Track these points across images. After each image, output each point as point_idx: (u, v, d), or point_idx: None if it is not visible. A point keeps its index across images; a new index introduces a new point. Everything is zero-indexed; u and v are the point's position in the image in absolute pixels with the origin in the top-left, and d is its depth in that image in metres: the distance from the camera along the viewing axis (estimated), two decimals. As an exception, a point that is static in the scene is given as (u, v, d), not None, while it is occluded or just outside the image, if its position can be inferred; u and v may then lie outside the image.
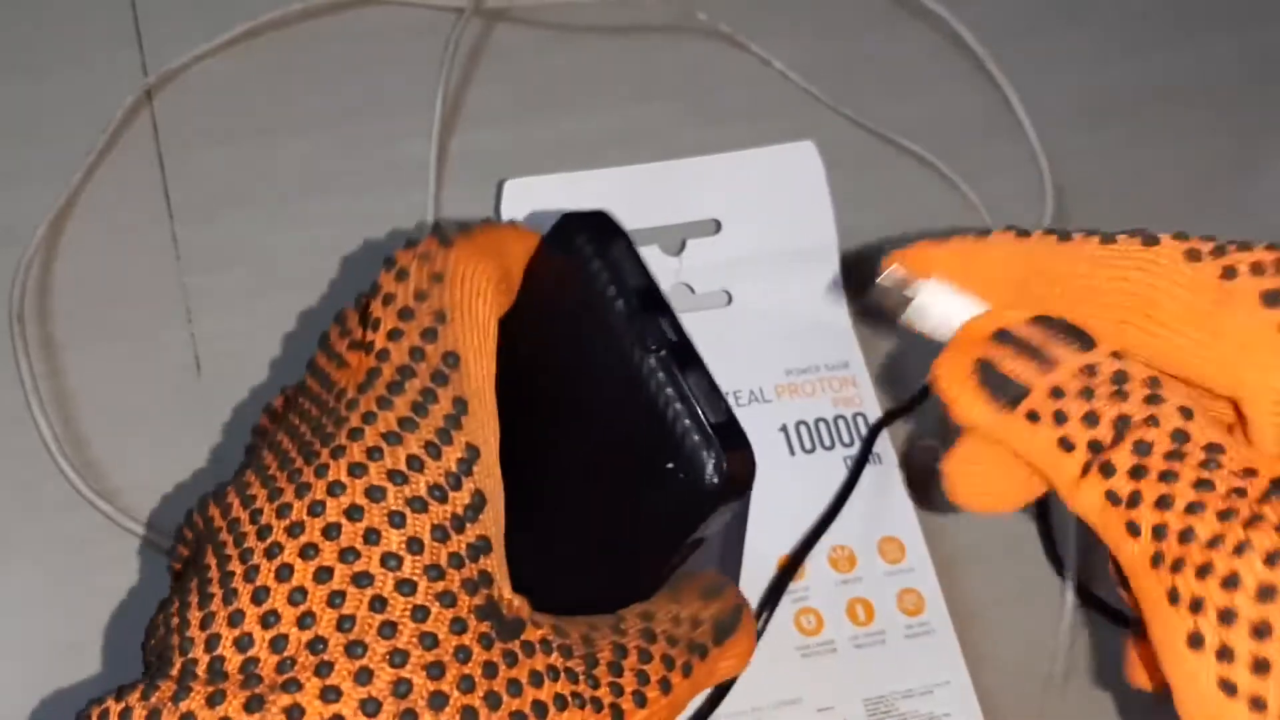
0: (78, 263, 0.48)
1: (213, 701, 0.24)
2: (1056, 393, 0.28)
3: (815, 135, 0.49)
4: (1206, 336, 0.28)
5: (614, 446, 0.28)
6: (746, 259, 0.45)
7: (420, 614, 0.25)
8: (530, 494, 0.28)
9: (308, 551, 0.25)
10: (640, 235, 0.45)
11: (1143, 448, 0.27)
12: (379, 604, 0.25)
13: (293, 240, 0.49)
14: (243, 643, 0.25)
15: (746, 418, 0.43)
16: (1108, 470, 0.27)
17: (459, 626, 0.25)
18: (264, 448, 0.29)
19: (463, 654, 0.25)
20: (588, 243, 0.29)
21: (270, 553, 0.26)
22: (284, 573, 0.25)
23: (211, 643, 0.25)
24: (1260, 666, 0.24)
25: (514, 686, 0.25)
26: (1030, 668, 0.43)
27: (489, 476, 0.27)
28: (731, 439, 0.28)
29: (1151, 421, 0.27)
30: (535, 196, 0.44)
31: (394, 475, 0.26)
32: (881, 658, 0.39)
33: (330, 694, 0.24)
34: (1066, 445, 0.28)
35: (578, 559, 0.29)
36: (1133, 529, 0.27)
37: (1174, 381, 0.29)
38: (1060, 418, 0.28)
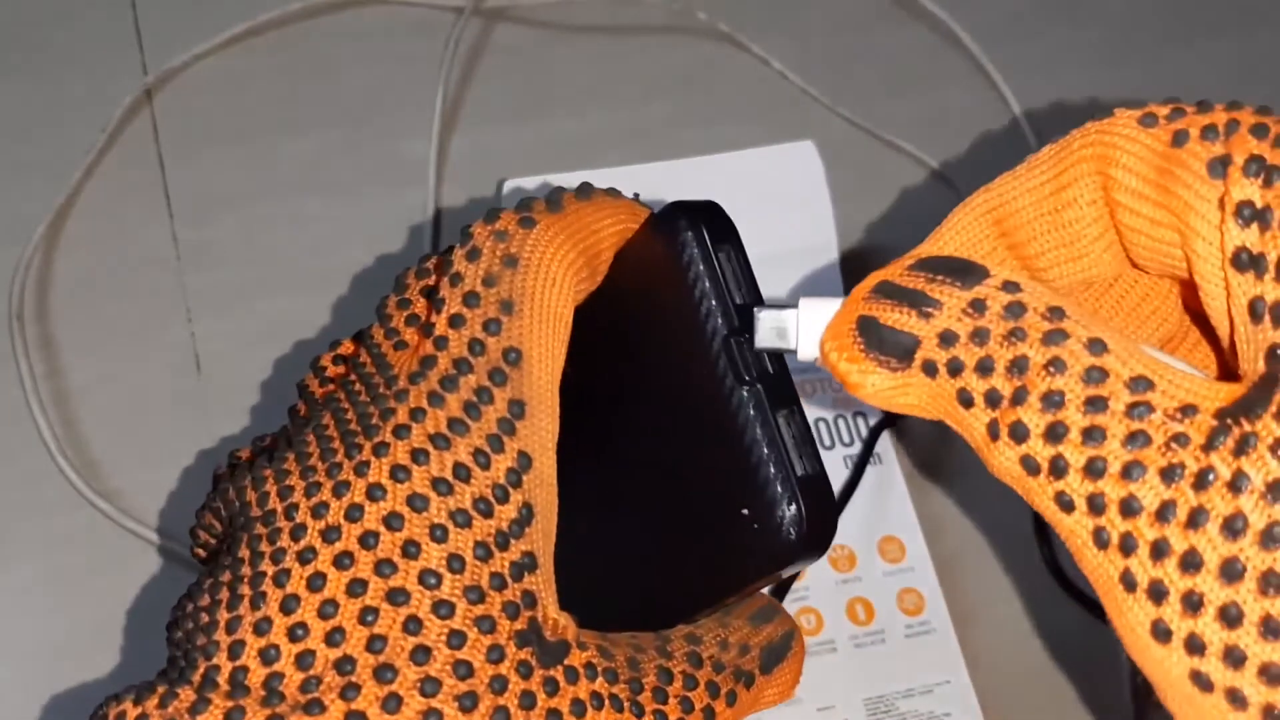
0: (78, 262, 0.48)
1: (231, 718, 0.23)
2: (946, 338, 0.23)
3: (814, 135, 0.49)
4: (1156, 212, 0.24)
5: (687, 471, 0.26)
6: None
7: (456, 640, 0.24)
8: (591, 496, 0.26)
9: (342, 560, 0.24)
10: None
11: (1053, 400, 0.22)
12: (414, 625, 0.24)
13: (293, 239, 0.49)
14: (268, 655, 0.24)
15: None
16: (1019, 433, 0.22)
17: (496, 655, 0.24)
18: (307, 426, 0.27)
19: (498, 684, 0.24)
20: (695, 240, 0.26)
21: (303, 557, 0.24)
22: (316, 581, 0.24)
23: (235, 650, 0.24)
24: (1233, 657, 0.20)
25: (553, 717, 0.24)
26: (1030, 667, 0.43)
27: (540, 486, 0.25)
28: (818, 496, 0.25)
29: (1055, 365, 0.22)
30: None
31: (438, 484, 0.24)
32: (881, 657, 0.39)
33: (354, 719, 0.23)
34: (965, 400, 0.23)
35: (632, 574, 0.27)
36: (1064, 503, 0.22)
37: (1085, 304, 0.25)
38: (955, 367, 0.23)
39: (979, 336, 0.23)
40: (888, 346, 0.24)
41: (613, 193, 0.28)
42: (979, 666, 0.41)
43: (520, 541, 0.25)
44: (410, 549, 0.24)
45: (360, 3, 0.55)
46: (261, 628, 0.24)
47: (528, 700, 0.24)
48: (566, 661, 0.24)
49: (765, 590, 0.28)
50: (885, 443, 0.43)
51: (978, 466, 0.46)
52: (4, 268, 0.47)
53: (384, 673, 0.23)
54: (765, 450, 0.24)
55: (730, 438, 0.24)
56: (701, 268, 0.26)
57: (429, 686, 0.23)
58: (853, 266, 0.47)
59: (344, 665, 0.23)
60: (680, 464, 0.25)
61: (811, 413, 0.43)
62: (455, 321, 0.26)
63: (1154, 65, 0.58)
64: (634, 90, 0.54)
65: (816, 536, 0.24)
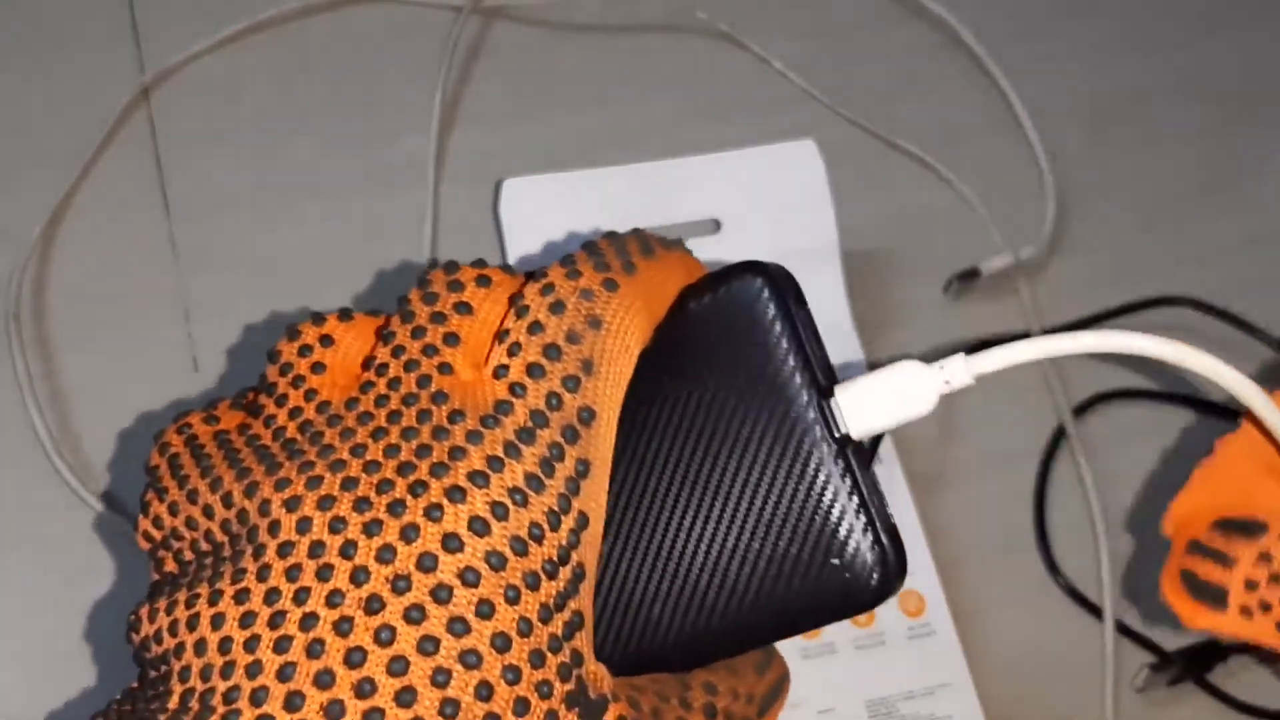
0: (75, 262, 0.48)
1: None
2: (1250, 585, 0.31)
3: (814, 134, 0.49)
4: None
5: (762, 521, 0.26)
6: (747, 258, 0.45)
7: (520, 707, 0.23)
8: (645, 534, 0.27)
9: (411, 615, 0.22)
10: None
11: None
12: (484, 691, 0.23)
13: (291, 239, 0.49)
14: (292, 703, 0.22)
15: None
16: None
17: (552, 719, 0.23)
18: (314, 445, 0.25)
19: None
20: (772, 298, 0.27)
21: (359, 613, 0.22)
22: (385, 634, 0.22)
23: (257, 697, 0.22)
24: None
25: None
26: (1032, 669, 0.43)
27: (592, 546, 0.25)
28: (898, 548, 0.26)
29: None
30: (534, 196, 0.43)
31: (515, 542, 0.24)
32: (883, 659, 0.39)
33: None
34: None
35: (682, 612, 0.26)
36: None
37: None
38: (1265, 606, 0.31)
39: (1276, 580, 0.31)
40: (1208, 594, 0.31)
41: (671, 245, 0.29)
42: (981, 668, 0.40)
43: (575, 601, 0.24)
44: (483, 609, 0.23)
45: (359, 2, 0.55)
46: (286, 673, 0.22)
47: None
48: (605, 719, 0.24)
49: None
50: (887, 445, 0.43)
51: (979, 468, 0.46)
52: (0, 268, 0.47)
53: None
54: (858, 505, 0.26)
55: (818, 492, 0.25)
56: (784, 324, 0.27)
57: None
58: (854, 266, 0.47)
59: None
60: (754, 517, 0.26)
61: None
62: (533, 371, 0.25)
63: (1157, 63, 0.58)
64: (633, 89, 0.54)
65: (895, 584, 0.26)
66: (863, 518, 0.26)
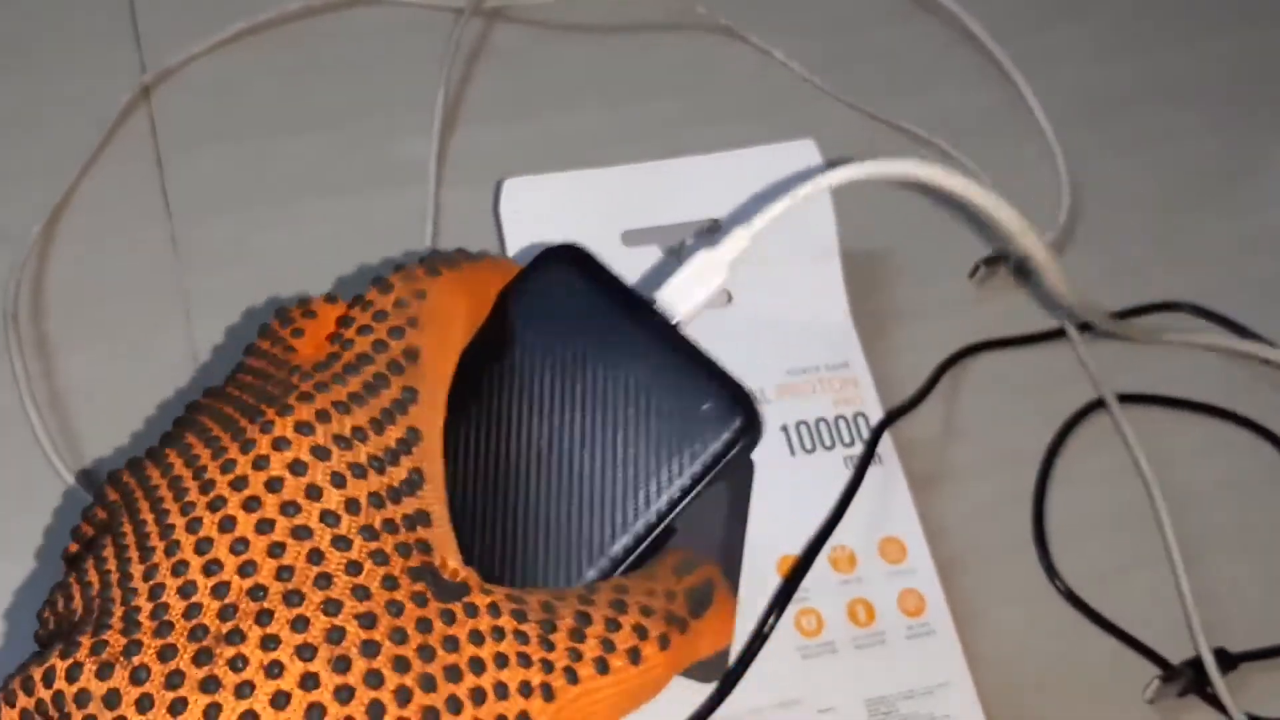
0: (74, 262, 0.48)
1: (164, 657, 0.25)
2: None
3: (817, 129, 0.49)
4: None
5: (634, 409, 0.30)
6: (747, 258, 0.45)
7: (353, 568, 0.26)
8: (514, 477, 0.30)
9: (250, 504, 0.26)
10: (640, 235, 0.45)
11: None
12: (315, 556, 0.26)
13: (292, 239, 0.49)
14: (186, 590, 0.26)
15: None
16: None
17: (390, 583, 0.26)
18: (203, 414, 0.29)
19: (394, 608, 0.26)
20: (573, 264, 0.32)
21: (214, 505, 0.27)
22: (227, 524, 0.26)
23: (155, 591, 0.26)
24: None
25: (450, 642, 0.26)
26: (1032, 668, 0.43)
27: (429, 459, 0.28)
28: (740, 388, 0.31)
29: None
30: (534, 195, 0.43)
31: (339, 439, 0.27)
32: (882, 658, 0.39)
33: (270, 642, 0.25)
34: None
35: (564, 538, 0.29)
36: None
37: None
38: None
39: None
40: None
41: (489, 255, 0.34)
42: (981, 668, 0.40)
43: (412, 500, 0.27)
44: (312, 492, 0.26)
45: (359, 2, 0.55)
46: (179, 569, 0.26)
47: (424, 625, 0.26)
48: (467, 599, 0.26)
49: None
50: (887, 443, 0.43)
51: (979, 468, 0.46)
52: (0, 267, 0.47)
53: (292, 597, 0.25)
54: (704, 360, 0.31)
55: (674, 361, 0.30)
56: (590, 279, 0.32)
57: (331, 607, 0.25)
58: (855, 265, 0.47)
59: (256, 593, 0.25)
60: (628, 403, 0.30)
61: (811, 412, 0.43)
62: (363, 330, 0.30)
63: (1173, 59, 0.57)
64: (635, 88, 0.54)
65: (756, 412, 0.30)
66: (708, 369, 0.30)
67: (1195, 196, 0.54)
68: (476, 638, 0.26)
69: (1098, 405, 0.48)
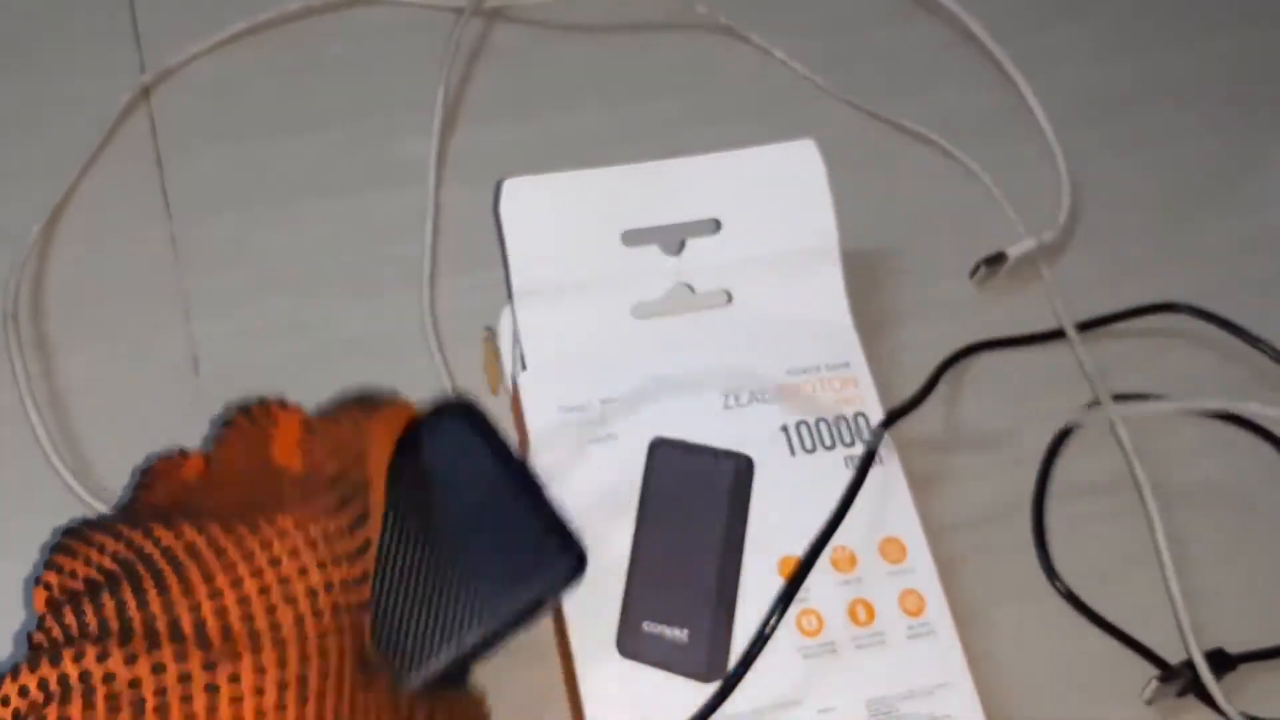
0: (75, 262, 0.48)
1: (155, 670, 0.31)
2: None
3: (818, 128, 0.49)
4: None
5: (485, 547, 0.37)
6: (747, 258, 0.45)
7: (321, 630, 0.33)
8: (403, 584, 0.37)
9: (256, 573, 0.33)
10: (640, 235, 0.45)
11: None
12: (299, 617, 0.33)
13: (292, 239, 0.49)
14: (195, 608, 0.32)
15: (747, 418, 0.43)
16: None
17: (336, 646, 0.33)
18: (208, 501, 0.36)
19: (335, 665, 0.33)
20: (465, 418, 0.38)
21: (227, 569, 0.33)
22: (237, 584, 0.33)
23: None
24: None
25: (363, 697, 0.33)
26: (1031, 668, 0.43)
27: (371, 564, 0.35)
28: (571, 534, 0.37)
29: None
30: (534, 195, 0.43)
31: (325, 537, 0.34)
32: (883, 658, 0.39)
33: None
34: None
35: (429, 628, 0.36)
36: None
37: None
38: None
39: None
40: None
41: (398, 397, 0.39)
42: (981, 667, 0.40)
43: (360, 591, 0.34)
44: (302, 572, 0.33)
45: (360, 2, 0.55)
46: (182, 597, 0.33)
47: (350, 681, 0.33)
48: (375, 673, 0.34)
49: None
50: (887, 443, 0.43)
51: (979, 469, 0.46)
52: (0, 267, 0.47)
53: (275, 633, 0.32)
54: (554, 517, 0.37)
55: (522, 517, 0.37)
56: (484, 439, 0.38)
57: (295, 647, 0.32)
58: (856, 265, 0.47)
59: (249, 623, 0.33)
60: (478, 541, 0.37)
61: (812, 412, 0.43)
62: (328, 456, 0.36)
63: (1174, 59, 0.58)
64: (634, 88, 0.54)
65: (580, 555, 0.36)
66: (550, 523, 0.36)
67: (1195, 196, 0.54)
68: (376, 701, 0.34)
69: (1097, 405, 0.48)
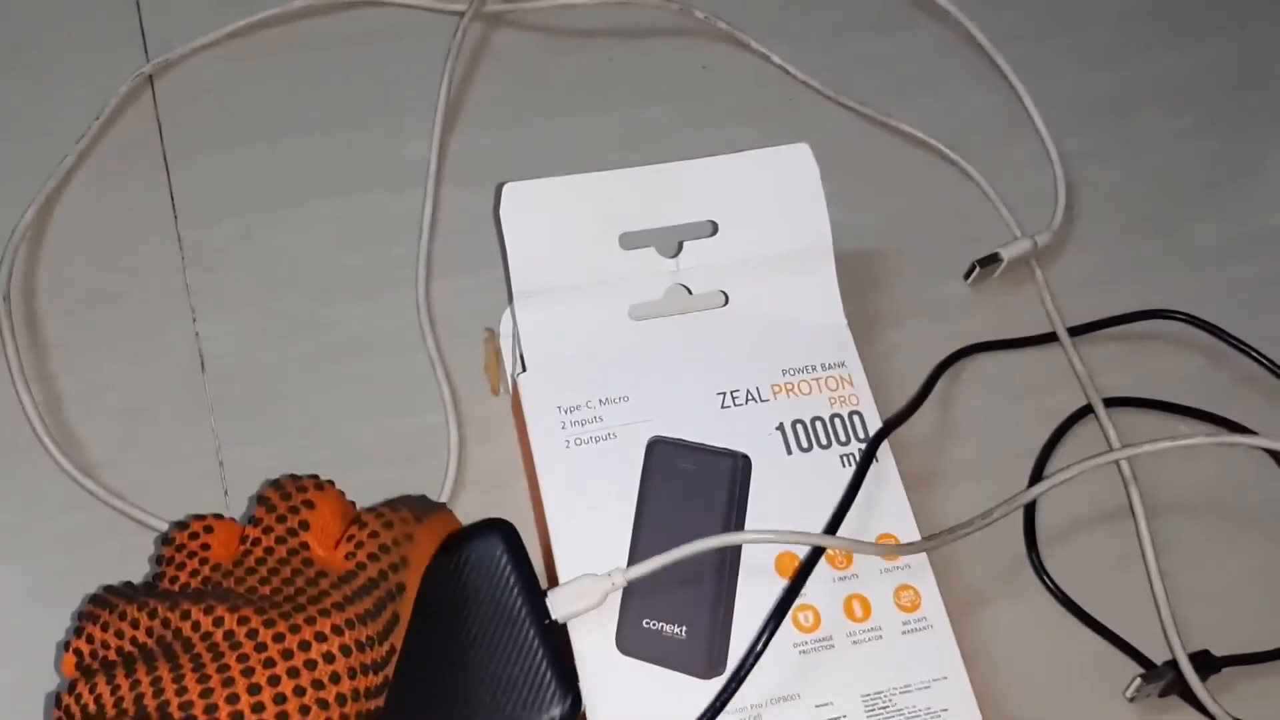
0: (77, 262, 0.48)
1: None
2: None
3: (816, 133, 0.49)
4: None
5: (490, 678, 0.38)
6: (743, 260, 0.45)
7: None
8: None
9: (291, 673, 0.34)
10: (637, 237, 0.45)
11: None
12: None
13: (294, 241, 0.49)
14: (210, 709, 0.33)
15: (744, 417, 0.44)
16: None
17: None
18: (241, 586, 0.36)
19: None
20: (503, 545, 0.39)
21: (266, 664, 0.34)
22: (274, 680, 0.33)
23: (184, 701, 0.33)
24: None
25: None
26: (1026, 662, 0.43)
27: (390, 670, 0.36)
28: (574, 688, 0.38)
29: None
30: (534, 199, 0.44)
31: (358, 644, 0.35)
32: (879, 653, 0.40)
33: None
34: None
35: None
36: None
37: None
38: None
39: None
40: None
41: (439, 506, 0.41)
42: (976, 662, 0.41)
43: (377, 700, 0.35)
44: (334, 677, 0.34)
45: (361, 4, 0.55)
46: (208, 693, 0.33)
47: None
48: None
49: None
50: (884, 444, 0.43)
51: (972, 469, 0.47)
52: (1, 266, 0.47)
53: None
54: (552, 659, 0.38)
55: (529, 653, 0.38)
56: (512, 564, 0.39)
57: None
58: (850, 266, 0.47)
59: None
60: (490, 672, 0.38)
61: (809, 412, 0.43)
62: (373, 558, 0.37)
63: (1169, 63, 0.58)
64: (633, 92, 0.54)
65: (575, 704, 0.37)
66: (553, 668, 0.38)
67: (1188, 200, 0.54)
68: None
69: (1089, 409, 0.48)
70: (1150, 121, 0.56)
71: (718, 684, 0.39)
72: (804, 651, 0.40)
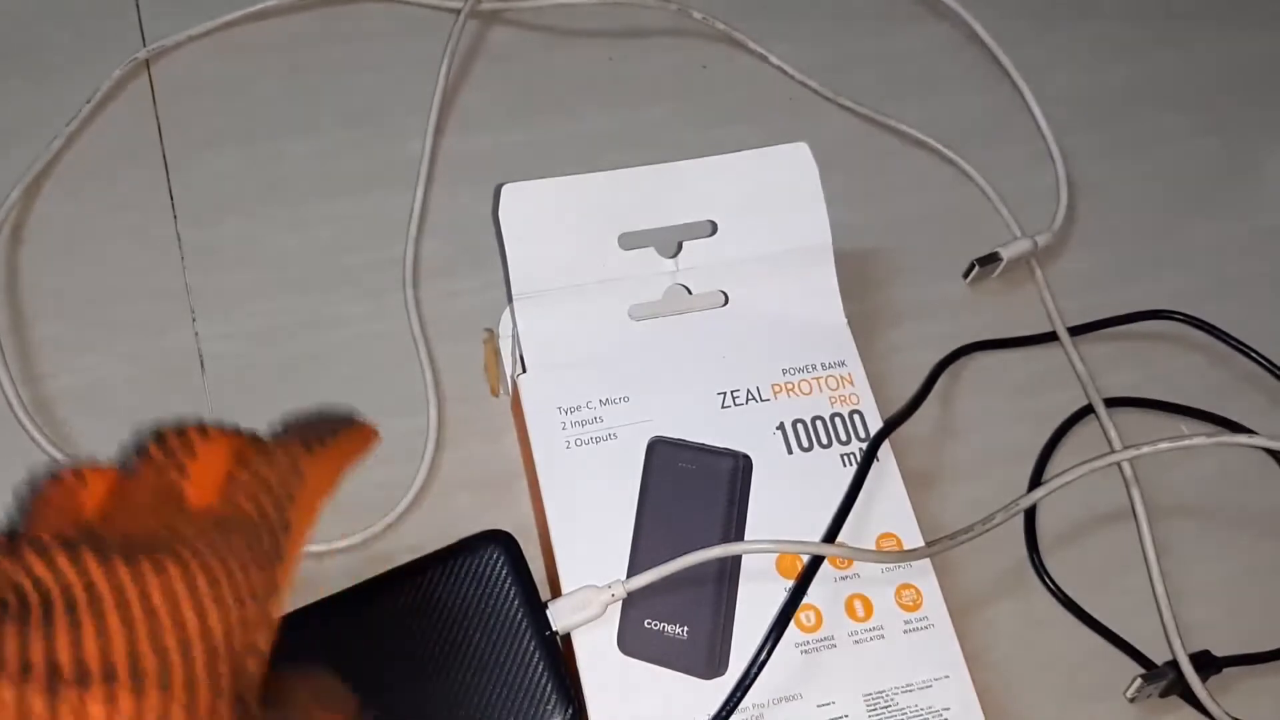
0: (76, 260, 0.48)
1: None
2: None
3: (816, 132, 0.49)
4: None
5: (490, 688, 0.39)
6: (743, 260, 0.45)
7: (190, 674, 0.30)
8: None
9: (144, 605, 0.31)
10: (637, 237, 0.45)
11: None
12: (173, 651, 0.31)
13: (295, 240, 0.49)
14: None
15: (744, 417, 0.44)
16: None
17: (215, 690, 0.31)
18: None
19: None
20: (503, 556, 0.40)
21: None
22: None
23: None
24: None
25: None
26: (1028, 661, 0.43)
27: (275, 612, 0.33)
28: (572, 700, 0.38)
29: None
30: (532, 200, 0.44)
31: (229, 578, 0.32)
32: (880, 653, 0.40)
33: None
34: None
35: None
36: None
37: None
38: None
39: None
40: None
41: (355, 419, 0.38)
42: (977, 661, 0.41)
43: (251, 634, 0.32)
44: (197, 608, 0.31)
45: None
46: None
47: None
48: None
49: None
50: (885, 444, 0.43)
51: (973, 468, 0.47)
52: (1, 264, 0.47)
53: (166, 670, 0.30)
54: (553, 671, 0.39)
55: (530, 664, 0.39)
56: (513, 574, 0.40)
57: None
58: (850, 265, 0.47)
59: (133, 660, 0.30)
60: (490, 682, 0.39)
61: (809, 412, 0.43)
62: (251, 498, 0.34)
63: (1172, 61, 0.58)
64: (631, 91, 0.54)
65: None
66: (554, 679, 0.38)
67: (1189, 200, 0.54)
68: None
69: (1089, 408, 0.48)
70: (1151, 121, 0.56)
71: (719, 684, 0.39)
72: (806, 651, 0.40)
